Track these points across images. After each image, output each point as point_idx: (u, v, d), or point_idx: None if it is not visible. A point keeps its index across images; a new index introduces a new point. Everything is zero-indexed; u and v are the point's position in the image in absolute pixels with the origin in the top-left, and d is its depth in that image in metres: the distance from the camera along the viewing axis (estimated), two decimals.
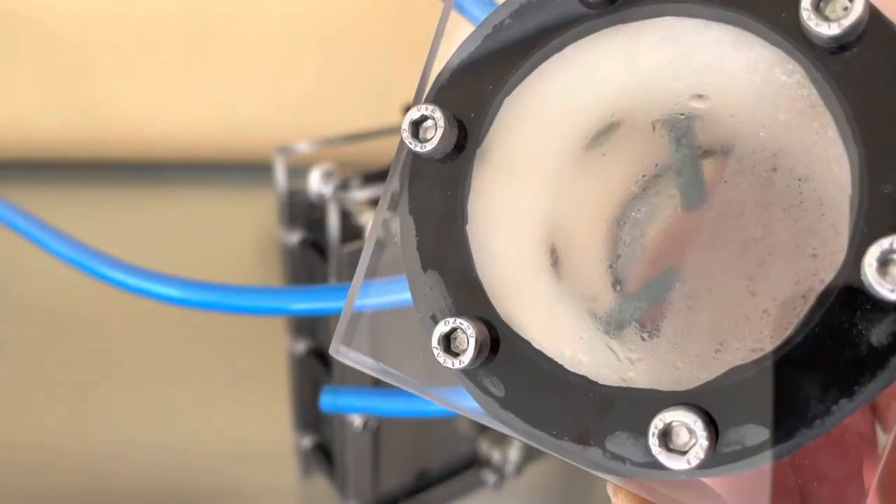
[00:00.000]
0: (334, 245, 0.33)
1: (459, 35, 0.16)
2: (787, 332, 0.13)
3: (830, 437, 0.15)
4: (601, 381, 0.14)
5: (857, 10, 0.12)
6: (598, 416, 0.14)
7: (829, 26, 0.13)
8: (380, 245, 0.17)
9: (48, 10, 0.68)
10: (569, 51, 0.15)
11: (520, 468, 0.42)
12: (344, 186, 0.35)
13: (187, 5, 0.69)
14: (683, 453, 0.13)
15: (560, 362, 0.15)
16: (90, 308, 0.57)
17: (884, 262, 0.12)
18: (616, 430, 0.14)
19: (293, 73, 0.72)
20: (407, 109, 0.15)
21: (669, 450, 0.13)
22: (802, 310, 0.13)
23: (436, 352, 0.15)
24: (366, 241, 0.17)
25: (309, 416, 0.43)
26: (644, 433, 0.13)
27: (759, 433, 0.13)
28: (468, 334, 0.14)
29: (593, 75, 0.16)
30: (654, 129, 0.15)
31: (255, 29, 0.70)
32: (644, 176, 0.15)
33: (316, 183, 0.35)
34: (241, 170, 0.71)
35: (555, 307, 0.16)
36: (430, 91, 0.16)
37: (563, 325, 0.15)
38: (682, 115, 0.15)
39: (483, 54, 0.16)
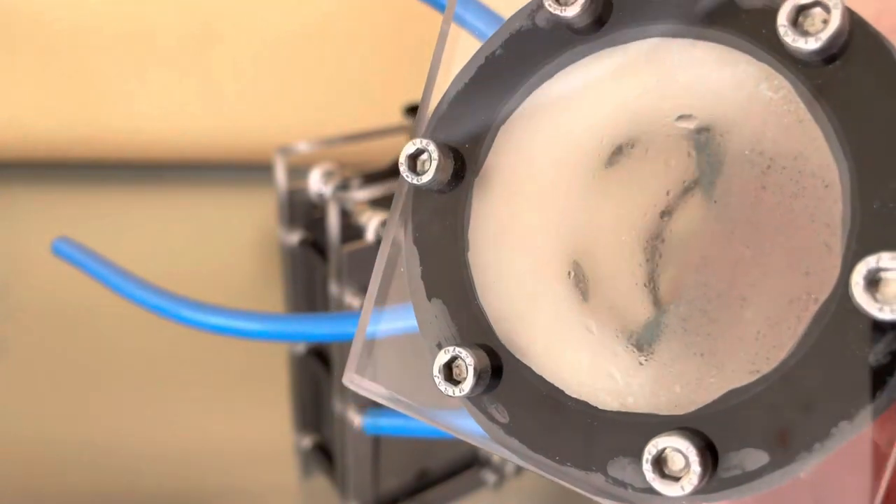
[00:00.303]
0: (334, 245, 0.33)
1: (458, 58, 0.17)
2: (783, 355, 0.13)
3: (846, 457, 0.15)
4: (601, 407, 0.14)
5: (835, 22, 0.12)
6: (599, 441, 0.14)
7: (806, 41, 0.12)
8: (388, 273, 0.17)
9: (49, 10, 0.68)
10: (560, 76, 0.16)
11: (520, 468, 0.42)
12: (344, 186, 0.35)
13: (187, 6, 0.69)
14: (677, 479, 0.13)
15: (561, 388, 0.15)
16: (90, 309, 0.57)
17: (871, 281, 0.12)
18: (617, 455, 0.14)
19: (293, 73, 0.72)
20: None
21: (664, 476, 0.13)
22: (797, 330, 0.13)
23: (437, 380, 0.15)
24: (374, 271, 0.17)
25: (309, 416, 0.43)
26: (640, 455, 0.13)
27: (758, 457, 0.13)
28: (467, 363, 0.15)
29: (584, 100, 0.16)
30: (665, 146, 0.15)
31: (256, 29, 0.70)
32: (669, 192, 0.15)
33: (316, 183, 0.35)
34: (241, 170, 0.71)
35: (567, 331, 0.15)
36: (429, 122, 0.17)
37: (568, 349, 0.15)
38: (697, 130, 0.15)
39: (477, 84, 0.16)
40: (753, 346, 0.13)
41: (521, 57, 0.16)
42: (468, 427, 0.16)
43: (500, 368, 0.15)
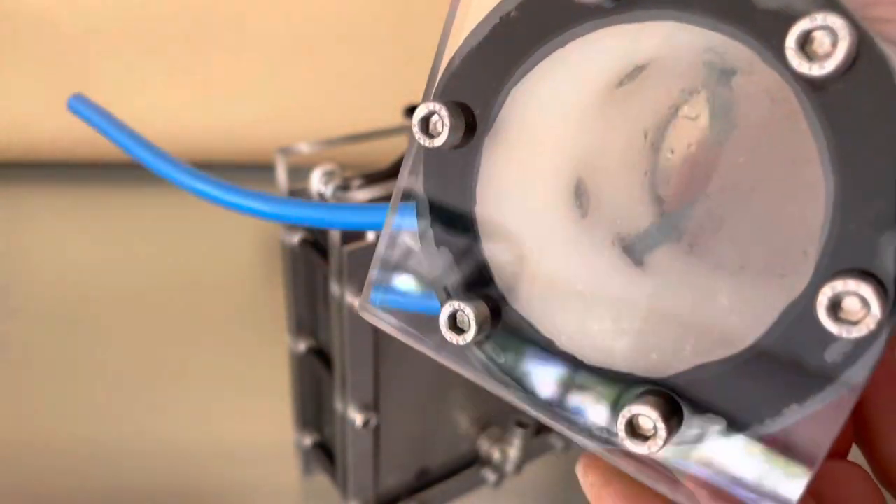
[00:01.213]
0: (335, 245, 0.33)
1: (470, 21, 0.17)
2: (750, 341, 0.14)
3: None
4: (586, 361, 0.16)
5: (842, 52, 0.12)
6: (581, 388, 0.16)
7: (810, 67, 0.12)
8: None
9: (50, 11, 0.68)
10: (572, 46, 0.16)
11: (520, 467, 0.42)
12: (344, 187, 0.35)
13: (189, 7, 0.69)
14: (646, 439, 0.14)
15: (552, 339, 0.16)
16: (91, 308, 0.58)
17: (833, 305, 0.13)
18: (596, 403, 0.16)
19: (294, 73, 0.72)
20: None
21: (635, 435, 0.15)
22: (767, 322, 0.14)
23: (443, 329, 0.16)
24: (391, 205, 0.18)
25: (310, 415, 0.43)
26: (618, 409, 0.15)
27: (717, 422, 0.15)
28: (469, 316, 0.16)
29: (595, 70, 0.16)
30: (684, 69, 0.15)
31: (257, 30, 0.70)
32: (673, 105, 0.16)
33: (317, 183, 0.35)
34: (242, 170, 0.71)
35: (564, 279, 0.17)
36: (440, 80, 0.17)
37: (563, 307, 0.17)
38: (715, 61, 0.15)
39: (490, 44, 0.16)
40: (728, 328, 0.15)
41: (537, 22, 0.16)
42: (465, 360, 0.18)
43: (499, 315, 0.17)
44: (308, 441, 0.43)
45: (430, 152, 0.17)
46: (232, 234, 0.67)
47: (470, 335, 0.16)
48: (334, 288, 0.34)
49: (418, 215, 0.18)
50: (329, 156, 0.37)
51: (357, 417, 0.36)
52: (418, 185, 0.17)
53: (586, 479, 0.17)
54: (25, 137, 0.72)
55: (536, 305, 0.17)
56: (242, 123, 0.72)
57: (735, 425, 0.14)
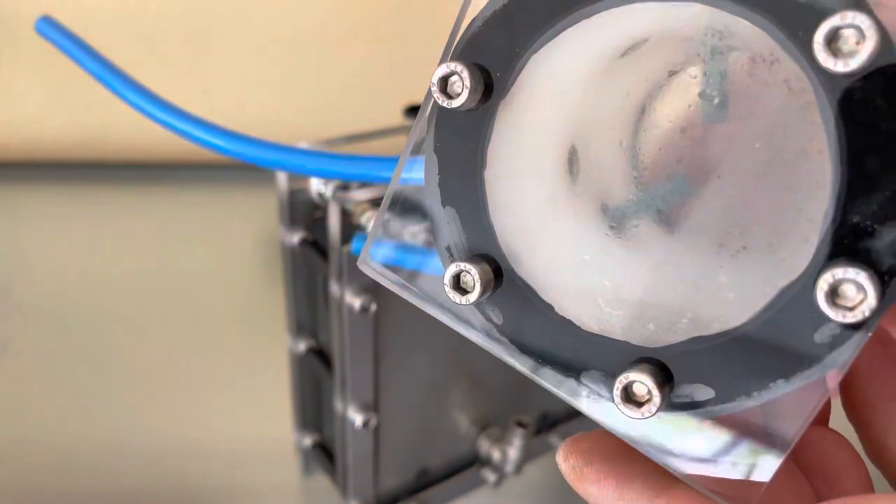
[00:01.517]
0: (335, 245, 0.33)
1: None
2: (745, 318, 0.15)
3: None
4: (583, 327, 0.17)
5: (868, 51, 0.12)
6: (577, 354, 0.17)
7: (836, 63, 0.13)
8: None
9: (50, 12, 0.68)
10: (598, 18, 0.16)
11: (520, 467, 0.42)
12: (344, 187, 0.35)
13: (190, 7, 0.69)
14: (640, 405, 0.15)
15: (552, 304, 0.17)
16: (91, 308, 0.58)
17: (832, 290, 0.13)
18: (591, 368, 0.17)
19: (295, 74, 0.72)
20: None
21: (629, 401, 0.15)
22: (762, 302, 0.15)
23: (447, 289, 0.17)
24: (399, 161, 0.18)
25: (309, 415, 0.43)
26: (613, 375, 0.16)
27: (706, 392, 0.15)
28: (474, 277, 0.16)
29: (608, 43, 0.16)
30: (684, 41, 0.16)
31: (257, 30, 0.70)
32: (669, 72, 0.16)
33: (316, 183, 0.35)
34: (243, 170, 0.71)
35: (563, 250, 0.17)
36: (459, 41, 0.17)
37: (563, 273, 0.17)
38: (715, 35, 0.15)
39: (515, 9, 0.16)
40: (724, 305, 0.15)
41: None
42: (465, 318, 0.18)
43: (500, 277, 0.17)
44: (308, 441, 0.43)
45: (443, 112, 0.17)
46: (232, 235, 0.67)
47: (474, 296, 0.16)
48: (334, 288, 0.34)
49: (426, 173, 0.18)
50: None
51: (357, 417, 0.36)
52: (429, 143, 0.17)
53: (567, 462, 0.17)
54: (25, 137, 0.72)
55: (537, 271, 0.17)
56: (243, 123, 0.72)
57: (724, 396, 0.15)
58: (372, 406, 0.37)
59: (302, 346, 0.41)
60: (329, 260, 0.35)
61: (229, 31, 0.70)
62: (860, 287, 0.13)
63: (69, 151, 0.73)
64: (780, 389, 0.15)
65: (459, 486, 0.43)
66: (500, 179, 0.17)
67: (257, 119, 0.71)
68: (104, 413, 0.48)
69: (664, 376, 0.15)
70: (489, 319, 0.17)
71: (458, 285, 0.17)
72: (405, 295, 0.19)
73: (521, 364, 0.17)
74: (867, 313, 0.13)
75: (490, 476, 0.43)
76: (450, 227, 0.18)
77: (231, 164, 0.73)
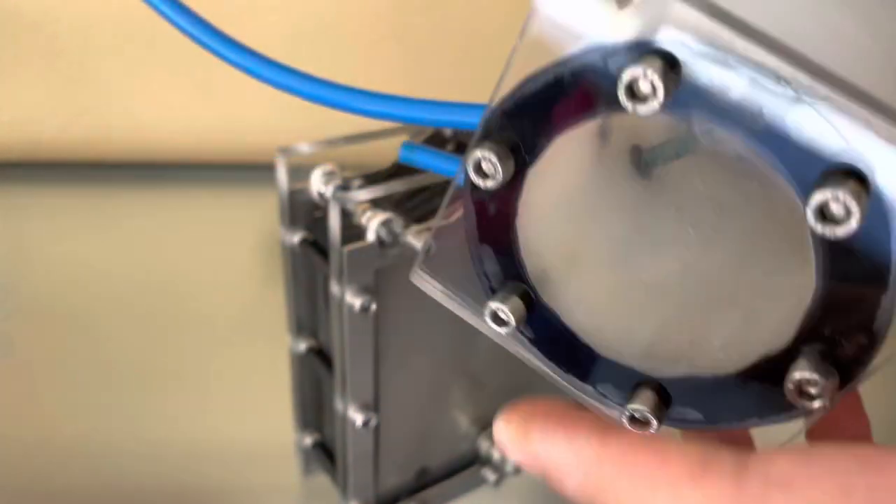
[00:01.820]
0: (335, 245, 0.33)
1: (520, 70, 0.18)
2: (731, 371, 0.18)
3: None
4: (601, 354, 0.20)
5: (854, 223, 0.14)
6: (594, 369, 0.20)
7: (824, 228, 0.14)
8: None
9: (51, 12, 0.68)
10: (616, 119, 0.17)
11: (519, 468, 0.42)
12: (345, 187, 0.35)
13: (190, 7, 0.69)
14: (644, 424, 0.19)
15: (575, 331, 0.20)
16: (91, 308, 0.58)
17: (797, 389, 0.17)
18: (605, 381, 0.20)
19: None
20: None
21: (635, 421, 0.19)
22: (744, 363, 0.18)
23: (489, 322, 0.20)
24: (443, 204, 0.21)
25: (310, 415, 0.43)
26: (622, 388, 0.20)
27: (695, 415, 0.20)
28: (508, 314, 0.20)
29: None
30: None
31: (257, 30, 0.70)
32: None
33: (317, 183, 0.36)
34: (243, 170, 0.71)
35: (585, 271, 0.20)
36: (494, 113, 0.18)
37: (585, 303, 0.20)
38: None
39: (543, 100, 0.18)
40: (715, 358, 0.19)
41: (588, 93, 0.17)
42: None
43: (532, 304, 0.20)
44: (308, 441, 0.43)
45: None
46: (232, 235, 0.67)
47: (510, 328, 0.20)
48: (334, 288, 0.34)
49: (465, 216, 0.20)
50: (329, 156, 0.37)
51: (357, 417, 0.36)
52: (466, 191, 0.20)
53: (510, 426, 0.18)
54: (25, 137, 0.72)
55: (561, 301, 0.20)
56: (242, 123, 0.72)
57: (710, 420, 0.19)
58: (372, 406, 0.37)
59: (302, 346, 0.41)
60: (329, 260, 0.35)
61: (229, 32, 0.70)
62: (822, 389, 0.16)
63: (69, 151, 0.73)
64: (756, 425, 0.19)
65: (459, 485, 0.43)
66: (527, 227, 0.20)
67: (257, 119, 0.71)
68: (104, 412, 0.48)
69: (664, 398, 0.19)
70: (522, 333, 0.21)
71: (496, 319, 0.20)
72: (451, 306, 0.22)
73: (548, 369, 0.21)
74: (826, 404, 0.16)
75: (490, 475, 0.43)
76: (488, 259, 0.21)
77: (232, 165, 0.73)
